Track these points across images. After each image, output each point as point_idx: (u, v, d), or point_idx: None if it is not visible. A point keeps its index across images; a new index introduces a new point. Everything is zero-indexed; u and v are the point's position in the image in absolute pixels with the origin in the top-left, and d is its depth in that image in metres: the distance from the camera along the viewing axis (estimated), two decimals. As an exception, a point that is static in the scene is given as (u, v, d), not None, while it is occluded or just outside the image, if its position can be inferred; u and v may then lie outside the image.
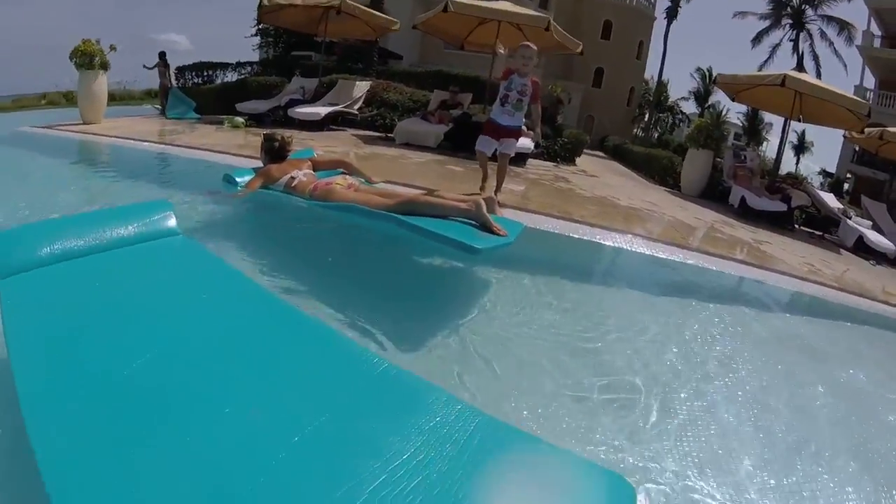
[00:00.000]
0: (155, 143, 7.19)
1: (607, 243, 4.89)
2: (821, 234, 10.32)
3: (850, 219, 10.05)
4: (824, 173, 32.63)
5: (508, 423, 1.42)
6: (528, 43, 5.31)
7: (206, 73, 19.24)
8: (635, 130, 37.22)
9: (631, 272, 4.68)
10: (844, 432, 2.53)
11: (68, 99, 16.74)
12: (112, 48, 8.84)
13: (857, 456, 2.32)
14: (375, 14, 12.07)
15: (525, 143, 7.63)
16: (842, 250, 8.97)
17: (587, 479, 1.30)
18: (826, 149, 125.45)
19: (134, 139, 7.18)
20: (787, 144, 29.03)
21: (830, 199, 11.04)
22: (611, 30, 31.17)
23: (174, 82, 14.61)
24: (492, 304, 3.17)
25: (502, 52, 5.46)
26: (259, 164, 4.28)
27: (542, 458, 1.32)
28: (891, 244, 9.33)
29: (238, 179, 3.94)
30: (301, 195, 3.70)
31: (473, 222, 3.17)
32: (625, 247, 4.92)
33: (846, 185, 26.74)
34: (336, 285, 3.13)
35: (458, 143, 9.38)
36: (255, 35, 22.27)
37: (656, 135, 35.08)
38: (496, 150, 5.38)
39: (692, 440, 2.13)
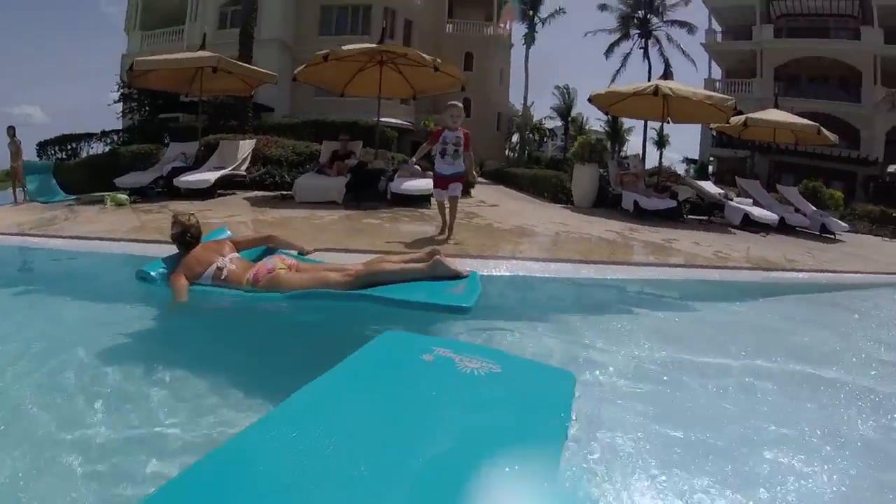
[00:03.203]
0: (40, 236, 6.29)
1: (577, 276, 5.13)
2: (707, 218, 11.14)
3: (731, 200, 10.96)
4: (687, 160, 35.17)
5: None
6: (454, 102, 6.15)
7: (69, 147, 17.68)
8: (507, 152, 38.72)
9: (595, 300, 4.85)
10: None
11: None
12: None
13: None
14: (252, 69, 11.64)
15: (423, 184, 8.56)
16: (732, 229, 9.80)
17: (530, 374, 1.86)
18: (681, 138, 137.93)
19: (13, 234, 6.42)
20: (648, 142, 31.77)
21: (710, 187, 12.06)
22: (472, 60, 32.35)
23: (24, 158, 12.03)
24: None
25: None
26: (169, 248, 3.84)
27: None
28: (773, 214, 10.38)
29: (153, 273, 3.52)
30: (238, 286, 3.32)
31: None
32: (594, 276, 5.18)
33: (710, 168, 29.04)
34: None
35: (359, 193, 9.24)
36: (119, 101, 20.87)
37: (526, 154, 36.51)
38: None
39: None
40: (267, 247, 3.93)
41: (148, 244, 5.52)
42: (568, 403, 1.79)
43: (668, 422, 2.26)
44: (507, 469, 1.42)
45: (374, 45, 9.41)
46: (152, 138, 14.61)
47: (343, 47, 9.05)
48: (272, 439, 1.46)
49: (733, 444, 2.18)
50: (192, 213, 3.76)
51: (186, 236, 3.62)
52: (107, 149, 16.66)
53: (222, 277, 3.36)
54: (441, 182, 6.15)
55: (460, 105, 6.07)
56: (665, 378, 2.77)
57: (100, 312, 3.58)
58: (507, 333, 3.25)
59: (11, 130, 11.65)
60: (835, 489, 1.89)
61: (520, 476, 1.40)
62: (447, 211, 6.21)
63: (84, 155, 17.42)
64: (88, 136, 18.01)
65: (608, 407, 2.36)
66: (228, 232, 4.07)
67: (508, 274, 4.90)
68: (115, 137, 17.96)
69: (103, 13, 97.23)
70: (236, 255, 3.60)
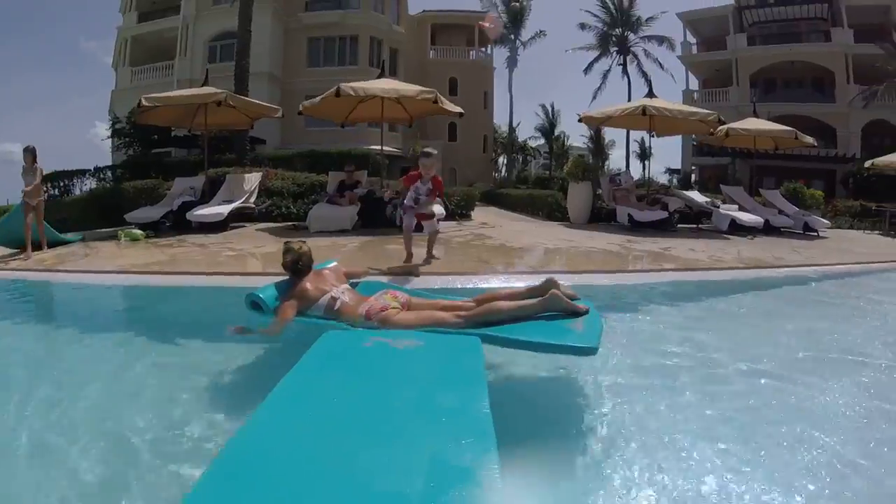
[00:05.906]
0: (73, 272, 6.25)
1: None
2: (696, 226, 11.77)
3: (718, 207, 11.53)
4: (670, 171, 35.79)
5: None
6: (428, 150, 6.49)
7: (62, 183, 17.44)
8: (494, 174, 39.32)
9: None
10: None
11: None
12: None
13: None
14: (258, 103, 11.90)
15: (438, 210, 8.55)
16: (722, 235, 10.40)
17: (446, 342, 2.61)
18: (664, 149, 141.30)
19: (43, 270, 6.39)
20: (631, 154, 32.45)
21: (697, 196, 12.63)
22: (457, 85, 32.89)
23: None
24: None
25: None
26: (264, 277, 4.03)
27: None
28: (758, 217, 11.00)
29: (262, 297, 3.44)
30: (349, 320, 3.26)
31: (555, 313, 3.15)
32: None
33: (693, 177, 29.66)
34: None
35: (369, 220, 9.70)
36: (110, 137, 20.91)
37: (514, 174, 37.12)
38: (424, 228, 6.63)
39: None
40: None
41: (199, 276, 5.83)
42: (479, 353, 2.52)
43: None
44: (449, 395, 2.08)
45: (388, 85, 9.90)
46: (143, 174, 14.61)
47: (360, 85, 9.52)
48: (279, 424, 1.88)
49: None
50: (304, 241, 3.70)
51: (298, 264, 3.59)
52: (97, 185, 16.72)
53: (335, 308, 3.32)
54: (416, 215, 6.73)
55: (434, 154, 6.43)
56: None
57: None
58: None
59: (31, 152, 7.89)
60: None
61: (456, 399, 2.05)
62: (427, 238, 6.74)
63: (77, 191, 17.23)
64: (81, 173, 17.86)
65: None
66: (335, 262, 3.98)
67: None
68: (109, 173, 17.92)
69: (82, 49, 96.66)
70: (349, 287, 3.57)
